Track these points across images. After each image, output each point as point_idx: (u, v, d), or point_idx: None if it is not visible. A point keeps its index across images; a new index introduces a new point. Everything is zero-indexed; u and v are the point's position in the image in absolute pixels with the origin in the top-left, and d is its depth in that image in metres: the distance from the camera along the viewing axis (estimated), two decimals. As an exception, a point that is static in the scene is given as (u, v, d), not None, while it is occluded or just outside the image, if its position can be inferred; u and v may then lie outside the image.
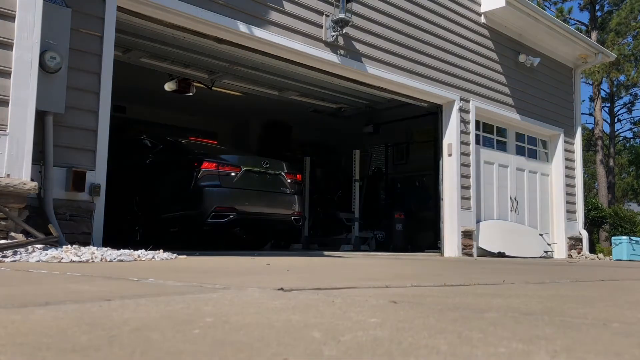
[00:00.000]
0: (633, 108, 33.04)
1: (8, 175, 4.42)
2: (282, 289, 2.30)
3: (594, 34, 25.56)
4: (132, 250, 4.64)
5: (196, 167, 7.14)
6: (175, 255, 4.91)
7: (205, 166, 7.15)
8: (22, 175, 4.50)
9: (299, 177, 8.34)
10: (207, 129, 12.78)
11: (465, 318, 1.63)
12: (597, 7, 27.46)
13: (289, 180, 8.01)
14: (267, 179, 7.75)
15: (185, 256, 5.04)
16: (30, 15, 4.65)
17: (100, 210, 5.36)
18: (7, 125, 4.47)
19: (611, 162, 28.14)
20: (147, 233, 7.36)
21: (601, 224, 16.80)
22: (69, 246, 4.43)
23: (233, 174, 7.32)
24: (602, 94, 28.31)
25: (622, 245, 12.54)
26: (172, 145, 8.24)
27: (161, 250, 4.89)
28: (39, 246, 4.18)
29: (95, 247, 4.65)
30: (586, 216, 13.67)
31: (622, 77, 28.33)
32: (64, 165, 5.13)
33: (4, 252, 3.80)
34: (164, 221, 7.37)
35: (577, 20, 28.83)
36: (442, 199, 9.87)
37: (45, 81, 4.87)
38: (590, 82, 26.82)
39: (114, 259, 4.20)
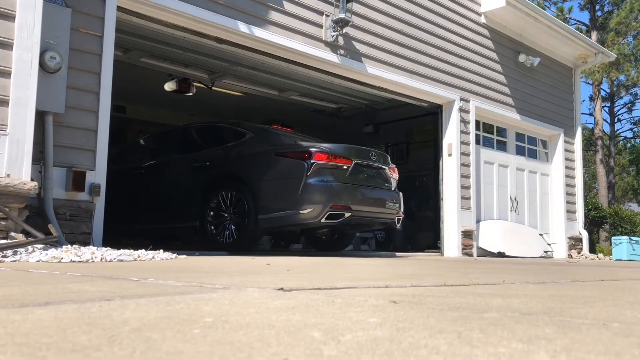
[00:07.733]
0: (633, 108, 33.07)
1: (8, 175, 4.42)
2: (282, 288, 2.30)
3: (594, 34, 25.56)
4: (132, 250, 4.65)
5: (307, 159, 6.24)
6: (175, 255, 4.92)
7: (318, 158, 6.27)
8: (22, 175, 4.50)
9: (397, 171, 7.60)
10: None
11: (465, 318, 1.63)
12: (597, 7, 27.46)
13: (391, 175, 7.29)
14: (374, 173, 6.99)
15: (185, 256, 5.05)
16: (30, 15, 4.65)
17: (100, 210, 5.36)
18: (7, 125, 4.48)
19: (611, 162, 28.13)
20: (239, 235, 6.50)
21: (601, 224, 16.80)
22: (69, 246, 4.44)
23: (345, 167, 6.50)
24: (602, 93, 28.30)
25: (622, 245, 12.55)
26: (267, 133, 7.17)
27: (161, 250, 4.90)
28: (39, 246, 4.18)
29: (96, 247, 4.65)
30: (586, 216, 13.67)
31: (622, 77, 28.30)
32: (64, 165, 5.14)
33: (4, 252, 3.80)
34: (262, 221, 6.38)
35: (577, 20, 28.80)
36: (442, 199, 9.88)
37: (45, 81, 4.88)
38: (590, 82, 26.82)
39: (114, 259, 4.21)
